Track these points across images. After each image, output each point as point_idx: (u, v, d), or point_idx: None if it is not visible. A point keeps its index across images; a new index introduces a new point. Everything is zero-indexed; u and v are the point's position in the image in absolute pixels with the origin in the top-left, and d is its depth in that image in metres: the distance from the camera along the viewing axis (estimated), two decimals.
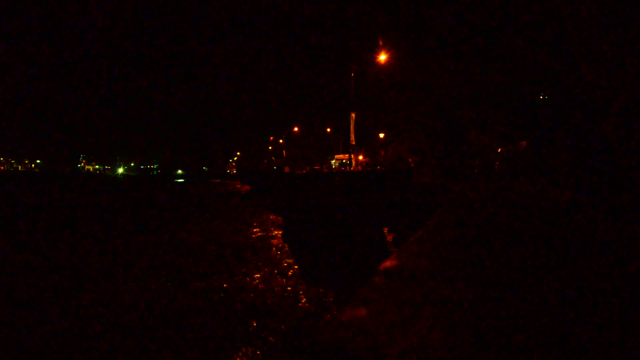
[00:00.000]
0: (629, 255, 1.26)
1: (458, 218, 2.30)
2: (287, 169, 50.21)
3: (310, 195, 17.05)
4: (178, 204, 23.09)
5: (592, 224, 1.85)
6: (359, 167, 36.61)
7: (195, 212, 18.34)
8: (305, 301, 5.52)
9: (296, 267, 7.45)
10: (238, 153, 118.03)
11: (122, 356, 4.11)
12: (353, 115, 25.39)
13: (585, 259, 1.21)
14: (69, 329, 4.67)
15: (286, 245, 9.55)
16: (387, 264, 1.06)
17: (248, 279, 6.65)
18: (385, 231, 9.66)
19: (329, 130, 62.25)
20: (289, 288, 6.12)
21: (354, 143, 26.70)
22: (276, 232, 11.66)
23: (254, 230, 12.32)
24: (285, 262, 7.84)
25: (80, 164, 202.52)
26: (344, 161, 44.74)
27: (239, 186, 49.69)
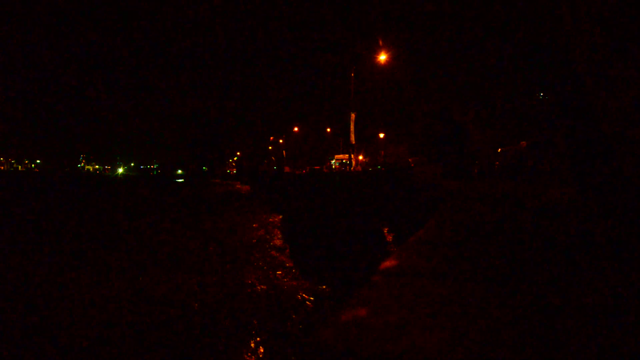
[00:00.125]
0: (629, 255, 1.26)
1: (458, 218, 2.30)
2: (287, 169, 50.25)
3: (310, 196, 17.06)
4: (178, 204, 23.07)
5: (592, 224, 1.85)
6: (359, 167, 36.64)
7: (195, 212, 18.34)
8: (305, 301, 5.52)
9: (296, 267, 7.45)
10: (238, 153, 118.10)
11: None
12: (353, 115, 25.38)
13: (585, 259, 1.21)
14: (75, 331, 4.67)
15: (286, 246, 9.55)
16: (387, 264, 1.06)
17: (249, 280, 6.65)
18: (385, 231, 9.65)
19: (329, 130, 62.30)
20: (289, 288, 6.12)
21: (354, 143, 26.70)
22: (276, 232, 11.67)
23: (254, 230, 12.32)
24: (286, 263, 7.84)
25: (80, 164, 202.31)
26: (344, 161, 44.74)
27: (239, 186, 49.63)
